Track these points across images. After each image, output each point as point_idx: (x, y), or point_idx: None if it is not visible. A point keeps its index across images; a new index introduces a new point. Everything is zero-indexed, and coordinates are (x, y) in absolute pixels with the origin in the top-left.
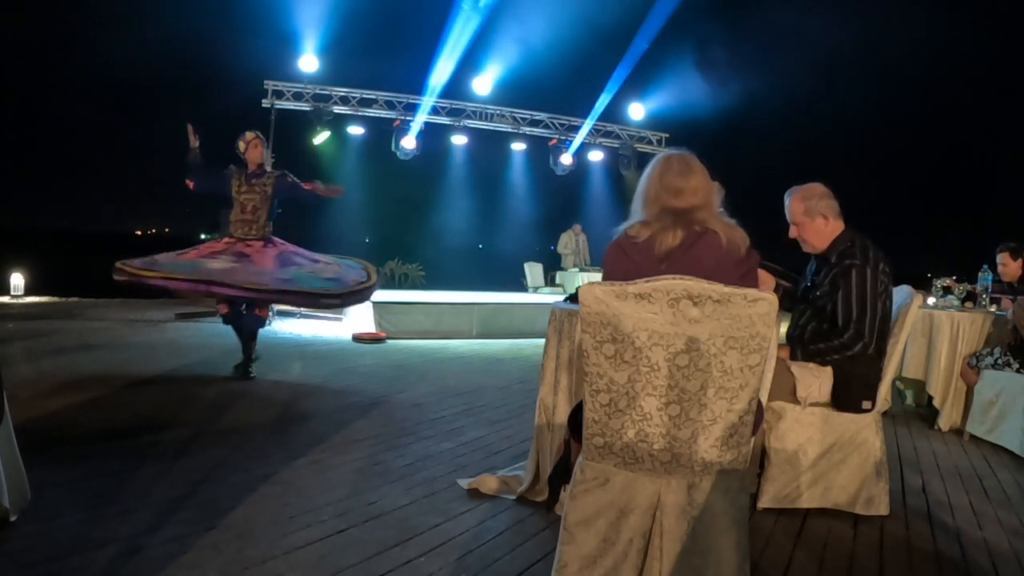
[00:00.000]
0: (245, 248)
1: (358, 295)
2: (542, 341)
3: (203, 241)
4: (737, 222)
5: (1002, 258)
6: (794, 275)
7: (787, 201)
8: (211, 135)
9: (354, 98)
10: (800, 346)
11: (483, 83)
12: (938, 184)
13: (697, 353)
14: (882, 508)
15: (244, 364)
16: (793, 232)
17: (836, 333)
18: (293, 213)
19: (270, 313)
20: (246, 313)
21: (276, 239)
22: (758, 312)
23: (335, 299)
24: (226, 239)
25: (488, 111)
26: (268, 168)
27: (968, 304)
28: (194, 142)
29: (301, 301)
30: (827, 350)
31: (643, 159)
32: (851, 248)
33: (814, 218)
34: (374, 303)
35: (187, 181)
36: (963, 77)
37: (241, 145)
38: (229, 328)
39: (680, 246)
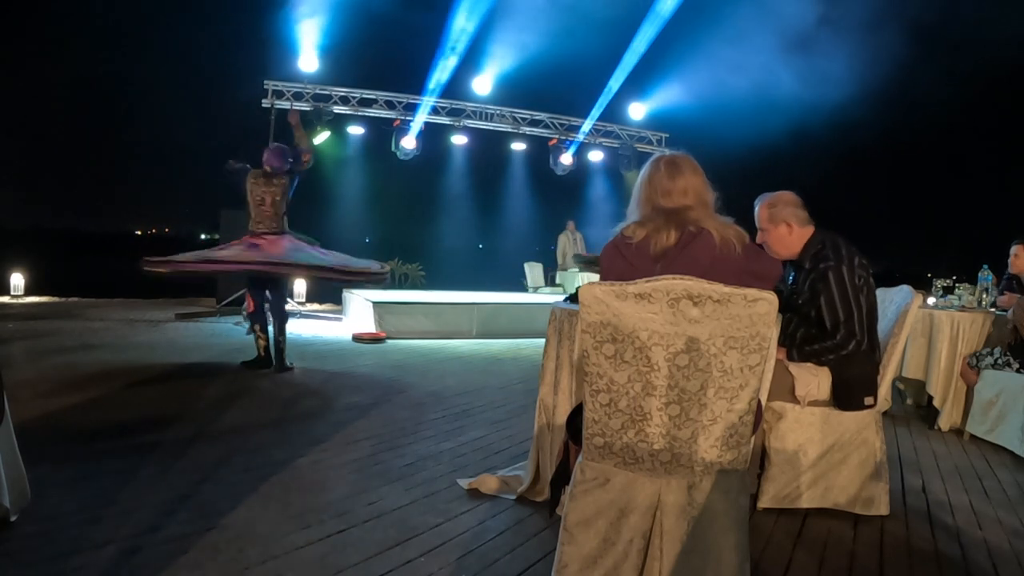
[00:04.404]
0: (259, 240)
1: (363, 275)
2: (542, 341)
3: (203, 241)
4: (735, 220)
5: (1016, 250)
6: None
7: (756, 207)
8: (211, 135)
9: (354, 98)
10: (795, 349)
11: (483, 83)
12: (938, 185)
13: (697, 353)
14: (882, 508)
15: (278, 356)
16: (760, 238)
17: (827, 335)
18: (294, 213)
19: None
20: (270, 307)
21: (291, 234)
22: (758, 312)
23: (338, 273)
24: (244, 237)
25: (488, 111)
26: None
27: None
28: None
29: (307, 273)
30: (822, 351)
31: (643, 159)
32: (823, 250)
33: (777, 225)
34: (374, 303)
35: (230, 160)
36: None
37: (266, 154)
38: (229, 328)
39: (675, 246)
